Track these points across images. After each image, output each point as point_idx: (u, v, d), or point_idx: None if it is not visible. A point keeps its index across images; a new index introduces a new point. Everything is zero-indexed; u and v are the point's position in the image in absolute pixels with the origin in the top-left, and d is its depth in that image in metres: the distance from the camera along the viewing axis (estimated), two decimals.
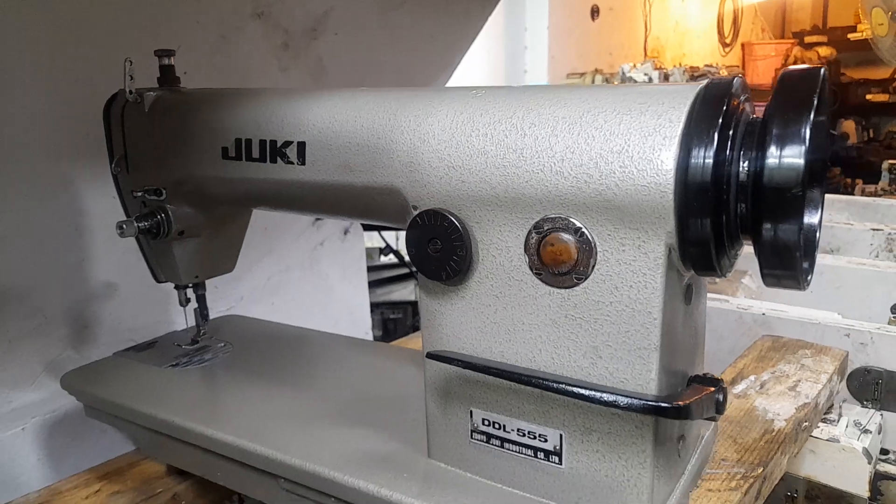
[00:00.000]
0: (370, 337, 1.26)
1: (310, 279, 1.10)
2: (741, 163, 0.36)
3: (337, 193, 0.51)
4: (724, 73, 3.92)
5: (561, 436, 0.43)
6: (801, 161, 0.33)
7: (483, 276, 0.44)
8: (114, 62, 0.65)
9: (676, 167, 0.36)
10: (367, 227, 1.57)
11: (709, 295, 1.38)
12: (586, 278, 0.40)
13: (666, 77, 3.54)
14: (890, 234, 1.71)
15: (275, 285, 1.05)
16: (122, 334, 0.83)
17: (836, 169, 5.41)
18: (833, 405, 0.96)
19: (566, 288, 0.41)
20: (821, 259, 1.53)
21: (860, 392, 1.14)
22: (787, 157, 0.33)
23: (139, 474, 0.73)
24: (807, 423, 0.79)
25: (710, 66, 3.94)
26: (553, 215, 0.41)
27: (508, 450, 0.46)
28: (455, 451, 0.48)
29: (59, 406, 0.80)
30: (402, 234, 0.46)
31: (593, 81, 3.55)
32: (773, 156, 0.33)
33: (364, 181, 0.49)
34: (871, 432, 0.92)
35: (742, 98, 0.38)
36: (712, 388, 0.42)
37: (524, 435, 0.45)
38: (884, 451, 1.13)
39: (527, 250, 0.42)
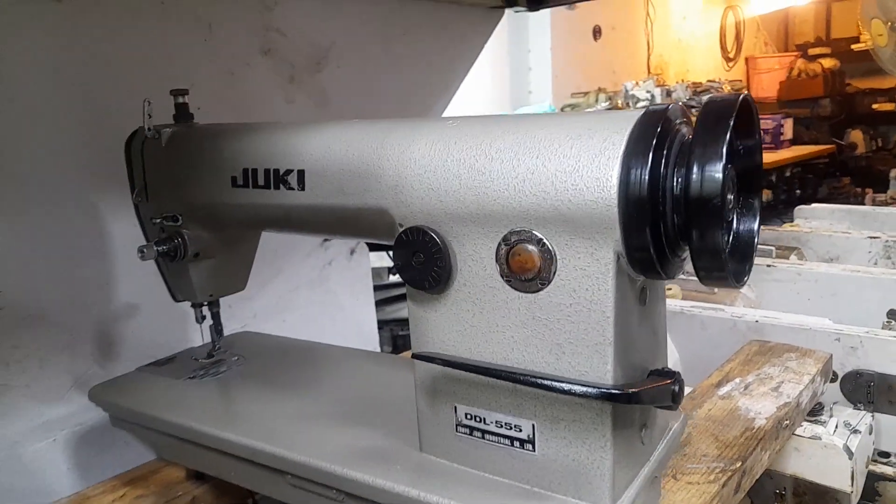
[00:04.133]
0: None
1: (319, 297, 1.16)
2: (675, 179, 0.41)
3: (334, 215, 0.57)
4: (727, 87, 3.97)
5: (533, 425, 0.48)
6: (720, 175, 0.38)
7: (461, 284, 0.50)
8: (133, 99, 0.72)
9: (619, 184, 0.42)
10: (373, 248, 1.64)
11: (704, 304, 1.42)
12: (549, 283, 0.46)
13: (668, 93, 3.60)
14: (887, 241, 1.75)
15: (285, 303, 1.11)
16: (144, 351, 0.89)
17: (846, 179, 5.41)
18: (824, 407, 1.00)
19: (532, 293, 0.47)
20: (816, 267, 1.57)
21: (853, 395, 1.17)
22: (707, 171, 0.39)
23: (161, 480, 0.78)
24: (788, 422, 0.83)
25: (713, 81, 3.99)
26: (518, 228, 0.46)
27: (489, 440, 0.51)
28: (442, 443, 0.54)
29: (87, 419, 0.86)
30: None
31: (597, 100, 3.62)
32: (695, 172, 0.39)
33: (356, 203, 0.55)
34: (860, 432, 0.95)
35: (678, 121, 0.44)
36: (668, 380, 0.47)
37: (501, 426, 0.50)
38: (884, 454, 1.16)
39: (497, 260, 0.48)
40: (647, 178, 0.41)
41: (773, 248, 1.88)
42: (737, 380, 0.93)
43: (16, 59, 0.75)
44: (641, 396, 0.43)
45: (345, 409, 0.66)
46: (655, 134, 0.42)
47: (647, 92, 3.47)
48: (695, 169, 0.39)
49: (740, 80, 4.71)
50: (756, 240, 0.46)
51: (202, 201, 0.68)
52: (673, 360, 1.41)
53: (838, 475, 0.85)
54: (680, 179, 0.41)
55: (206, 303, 0.79)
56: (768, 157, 4.61)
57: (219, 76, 0.97)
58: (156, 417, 0.70)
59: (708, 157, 0.39)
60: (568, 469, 0.47)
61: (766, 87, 5.58)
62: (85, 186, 0.84)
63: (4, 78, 0.74)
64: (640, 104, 3.48)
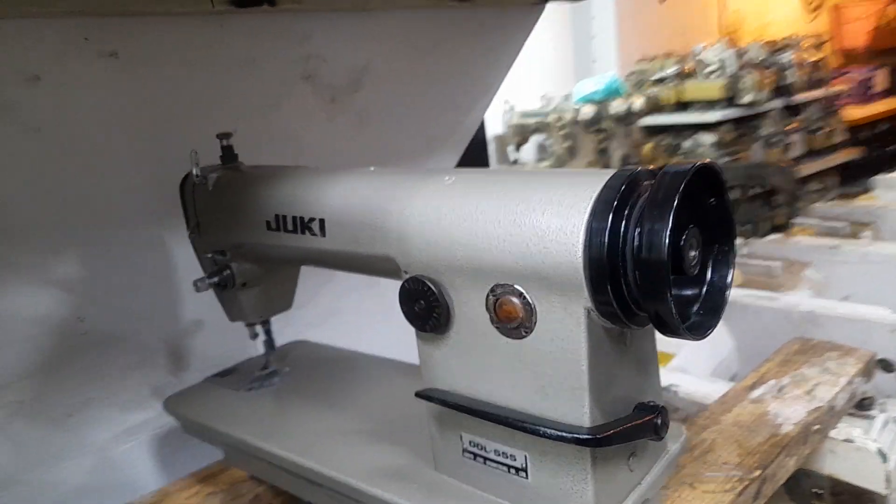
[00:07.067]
0: None
1: (369, 300, 1.24)
2: (634, 241, 0.45)
3: (351, 259, 0.64)
4: (805, 43, 3.73)
5: (525, 456, 0.53)
6: (666, 243, 0.41)
7: (459, 327, 0.55)
8: (187, 139, 0.80)
9: (584, 248, 0.45)
10: None
11: (758, 293, 1.40)
12: (531, 332, 0.50)
13: (741, 55, 3.43)
14: None
15: (337, 309, 1.20)
16: (210, 360, 1.00)
17: None
18: (874, 402, 0.98)
19: (518, 339, 0.51)
20: (883, 248, 1.50)
21: None
22: (654, 243, 0.42)
23: (228, 478, 0.89)
24: (818, 426, 0.84)
25: (790, 37, 3.75)
26: (503, 282, 0.51)
27: (490, 465, 0.56)
28: (453, 465, 0.60)
29: (164, 423, 0.98)
30: None
31: (662, 67, 3.50)
32: (645, 242, 0.42)
33: (367, 251, 0.61)
34: None
35: (644, 183, 0.47)
36: (650, 416, 0.51)
37: (499, 454, 0.55)
38: None
39: (487, 308, 0.53)
40: (606, 241, 0.45)
41: (847, 223, 1.80)
42: (772, 381, 0.93)
43: (83, 114, 0.85)
44: (612, 439, 0.47)
45: (378, 424, 0.73)
46: (616, 198, 0.45)
47: (718, 57, 3.31)
48: (644, 236, 0.42)
49: (820, 36, 4.39)
50: (728, 291, 0.48)
51: (244, 240, 0.76)
52: (728, 350, 1.41)
53: (872, 477, 0.85)
54: (638, 242, 0.44)
55: (257, 322, 0.88)
56: (856, 113, 4.32)
57: (264, 107, 1.04)
58: (217, 430, 0.79)
59: (655, 228, 0.42)
60: (556, 496, 0.52)
61: (854, 37, 5.19)
62: (153, 222, 0.94)
63: (75, 133, 0.84)
64: (708, 70, 3.33)
